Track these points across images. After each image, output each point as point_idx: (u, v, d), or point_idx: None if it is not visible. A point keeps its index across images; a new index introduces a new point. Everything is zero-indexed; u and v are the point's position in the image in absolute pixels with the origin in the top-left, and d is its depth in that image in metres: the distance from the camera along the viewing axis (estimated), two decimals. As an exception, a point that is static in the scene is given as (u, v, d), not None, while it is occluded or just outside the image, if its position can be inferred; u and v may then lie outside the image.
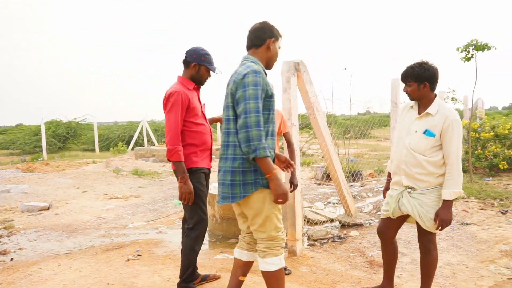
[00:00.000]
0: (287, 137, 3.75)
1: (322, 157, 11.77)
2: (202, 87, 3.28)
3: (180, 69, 3.24)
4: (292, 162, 2.72)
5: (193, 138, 3.08)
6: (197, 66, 3.12)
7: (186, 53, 3.15)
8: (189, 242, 3.07)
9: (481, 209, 5.89)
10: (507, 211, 5.65)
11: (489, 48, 6.97)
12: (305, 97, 4.40)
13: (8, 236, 5.51)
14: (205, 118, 3.27)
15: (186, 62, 3.15)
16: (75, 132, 22.79)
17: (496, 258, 4.07)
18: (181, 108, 2.97)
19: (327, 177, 8.27)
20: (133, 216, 6.64)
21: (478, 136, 8.93)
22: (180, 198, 2.97)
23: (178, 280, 3.10)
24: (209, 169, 3.27)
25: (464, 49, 7.15)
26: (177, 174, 2.96)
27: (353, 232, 4.97)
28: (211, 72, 3.22)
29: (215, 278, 3.37)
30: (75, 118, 23.11)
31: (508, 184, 7.44)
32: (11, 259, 4.51)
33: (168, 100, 2.99)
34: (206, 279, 3.33)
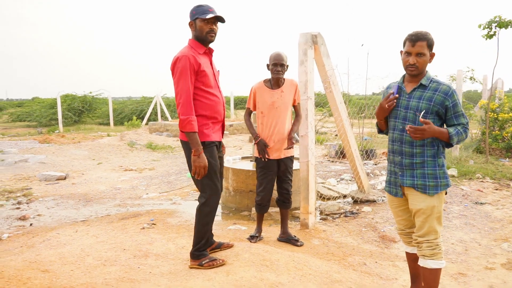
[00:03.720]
0: (297, 108, 3.73)
1: (336, 135, 11.70)
2: (214, 52, 3.05)
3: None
4: None
5: (204, 108, 2.89)
6: (193, 23, 2.88)
7: None
8: (201, 217, 3.00)
9: (496, 189, 5.82)
10: (523, 192, 5.58)
11: (513, 26, 6.75)
12: (321, 70, 4.35)
13: (27, 203, 5.66)
14: (219, 87, 3.06)
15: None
16: (90, 106, 23.00)
17: (509, 237, 4.05)
18: (190, 74, 2.76)
19: (341, 153, 8.25)
20: (148, 187, 6.75)
21: (496, 116, 8.75)
22: (194, 173, 2.82)
23: (191, 248, 3.15)
24: (220, 142, 3.12)
25: (486, 26, 6.94)
26: (191, 146, 2.80)
27: (366, 208, 4.98)
28: (214, 23, 2.88)
29: (229, 246, 3.40)
30: (90, 92, 23.31)
31: (525, 166, 7.33)
32: (31, 224, 4.65)
33: (176, 66, 2.77)
34: (220, 246, 3.36)
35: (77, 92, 23.05)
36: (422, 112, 2.37)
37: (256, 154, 3.68)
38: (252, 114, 3.81)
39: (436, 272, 2.44)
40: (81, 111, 22.34)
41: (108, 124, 21.12)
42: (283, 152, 3.61)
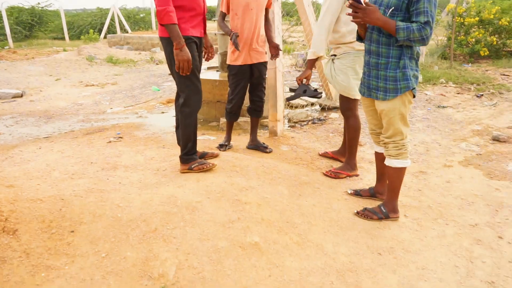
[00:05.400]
0: (267, 12, 3.54)
1: (303, 44, 11.43)
2: None
3: None
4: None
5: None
6: None
7: None
8: (183, 118, 2.91)
9: (458, 93, 5.99)
10: (482, 94, 5.78)
11: None
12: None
13: (-17, 122, 5.39)
14: None
15: None
16: (40, 19, 21.21)
17: (468, 137, 4.25)
18: None
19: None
20: (111, 102, 6.53)
21: (462, 21, 8.72)
22: (177, 68, 2.70)
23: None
24: (201, 38, 2.93)
25: None
26: (172, 40, 2.64)
27: (333, 115, 5.05)
28: None
29: (214, 155, 3.33)
30: (38, 3, 21.39)
31: (487, 70, 7.51)
32: (-10, 143, 4.46)
33: None
34: (204, 156, 3.30)
35: (23, 3, 21.11)
36: (391, 9, 2.27)
37: (229, 61, 3.51)
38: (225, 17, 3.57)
39: (400, 171, 2.54)
40: (32, 25, 20.66)
41: (63, 38, 19.77)
42: (255, 57, 3.48)
